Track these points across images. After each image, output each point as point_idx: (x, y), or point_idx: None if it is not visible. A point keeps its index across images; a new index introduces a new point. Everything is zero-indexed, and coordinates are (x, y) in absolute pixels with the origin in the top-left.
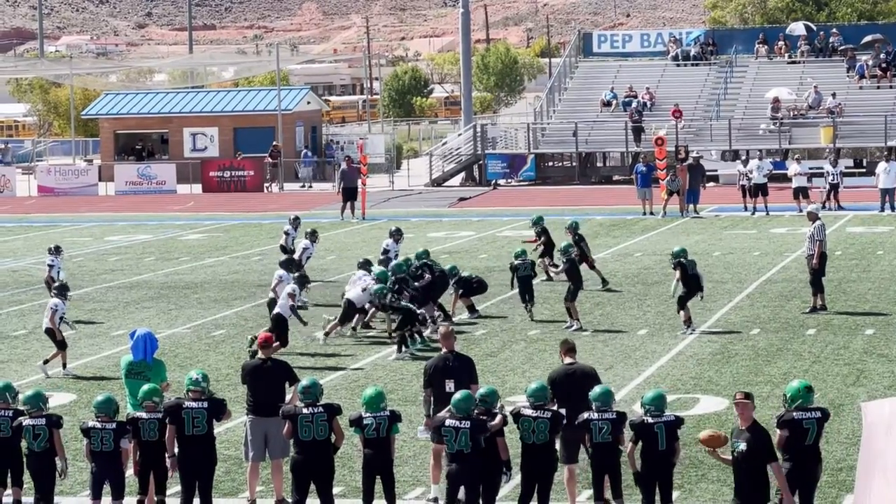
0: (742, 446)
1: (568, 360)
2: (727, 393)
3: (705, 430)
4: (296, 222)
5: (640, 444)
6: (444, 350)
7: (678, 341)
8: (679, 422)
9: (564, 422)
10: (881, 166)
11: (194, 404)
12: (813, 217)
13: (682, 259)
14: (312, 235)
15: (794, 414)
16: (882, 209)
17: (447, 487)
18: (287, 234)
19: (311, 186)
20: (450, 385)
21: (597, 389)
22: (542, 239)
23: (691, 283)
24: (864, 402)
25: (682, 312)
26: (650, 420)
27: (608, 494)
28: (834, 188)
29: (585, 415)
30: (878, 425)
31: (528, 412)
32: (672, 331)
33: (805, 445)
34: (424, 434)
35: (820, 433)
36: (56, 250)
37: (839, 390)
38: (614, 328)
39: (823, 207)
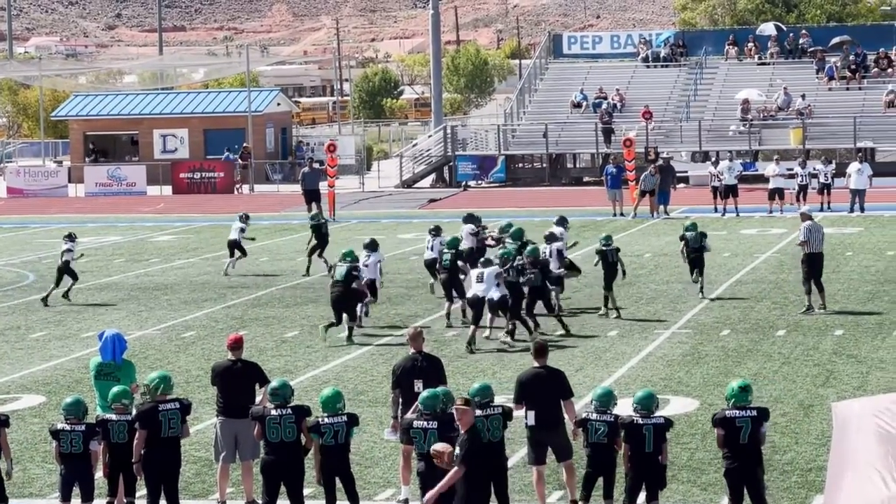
0: (459, 451)
1: (538, 362)
2: (697, 394)
3: (437, 444)
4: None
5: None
6: (412, 351)
7: (648, 342)
8: (668, 424)
9: (532, 423)
10: (853, 166)
11: (169, 405)
12: (804, 217)
13: (686, 233)
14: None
15: (728, 412)
16: (851, 210)
17: (420, 488)
18: (243, 230)
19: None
20: (418, 385)
21: (598, 390)
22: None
23: (692, 257)
24: (834, 402)
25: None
26: (640, 420)
27: (578, 495)
28: (803, 189)
29: (584, 414)
30: (849, 424)
31: (478, 412)
32: (642, 332)
33: (740, 444)
34: (392, 436)
35: (756, 432)
36: (70, 238)
37: (809, 391)
38: (585, 329)
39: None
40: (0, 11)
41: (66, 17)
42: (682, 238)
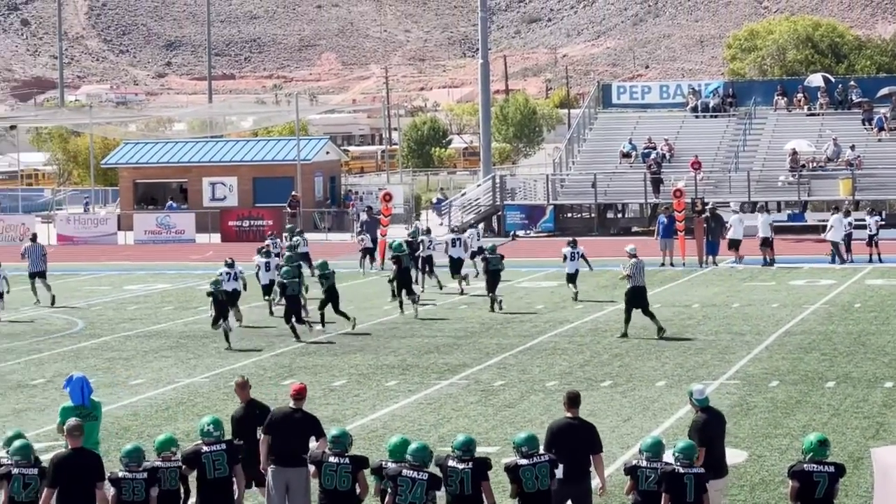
0: None
1: (570, 412)
2: (745, 445)
3: None
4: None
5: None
6: (242, 403)
7: None
8: (708, 475)
9: (561, 476)
10: (833, 218)
11: (214, 447)
12: (630, 255)
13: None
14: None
15: (805, 466)
16: (833, 261)
17: None
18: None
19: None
20: (259, 433)
21: (648, 440)
22: None
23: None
24: (873, 447)
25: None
26: (681, 470)
27: None
28: (848, 238)
29: (634, 461)
30: (892, 470)
31: (524, 462)
32: (690, 382)
33: (815, 498)
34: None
35: (832, 488)
36: (281, 235)
37: (858, 443)
38: (633, 379)
39: (840, 261)
40: (52, 60)
41: (117, 66)
42: (484, 258)
